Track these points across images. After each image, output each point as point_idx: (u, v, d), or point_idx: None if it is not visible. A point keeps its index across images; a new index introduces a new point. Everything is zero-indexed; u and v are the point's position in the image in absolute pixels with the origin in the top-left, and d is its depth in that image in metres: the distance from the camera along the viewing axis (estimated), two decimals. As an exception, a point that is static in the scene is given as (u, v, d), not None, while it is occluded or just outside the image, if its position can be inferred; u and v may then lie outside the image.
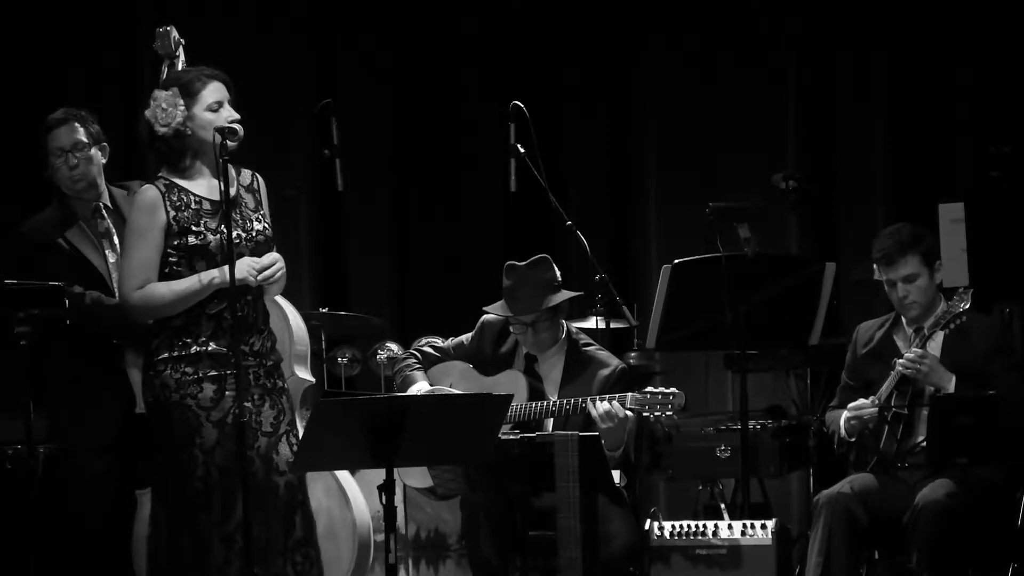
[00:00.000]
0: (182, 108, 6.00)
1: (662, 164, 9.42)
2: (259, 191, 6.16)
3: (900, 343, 6.91)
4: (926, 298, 6.83)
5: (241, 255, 5.96)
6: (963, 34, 8.91)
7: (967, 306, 6.71)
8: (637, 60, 9.45)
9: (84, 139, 6.63)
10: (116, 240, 6.60)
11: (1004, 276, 7.99)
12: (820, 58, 9.18)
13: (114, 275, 6.55)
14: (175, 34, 6.69)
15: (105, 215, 6.65)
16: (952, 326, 6.74)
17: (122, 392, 6.51)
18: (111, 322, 6.44)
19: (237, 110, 6.06)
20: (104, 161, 6.70)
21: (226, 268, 5.89)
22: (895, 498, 6.65)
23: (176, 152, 6.04)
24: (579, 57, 9.50)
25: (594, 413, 6.56)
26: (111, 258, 6.60)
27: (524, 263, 6.83)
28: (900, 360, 6.75)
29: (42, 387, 6.46)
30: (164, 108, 6.00)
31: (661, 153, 9.42)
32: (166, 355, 5.98)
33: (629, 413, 6.57)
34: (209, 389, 5.95)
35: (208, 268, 5.96)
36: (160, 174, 6.07)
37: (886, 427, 6.76)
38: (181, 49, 6.70)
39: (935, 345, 6.81)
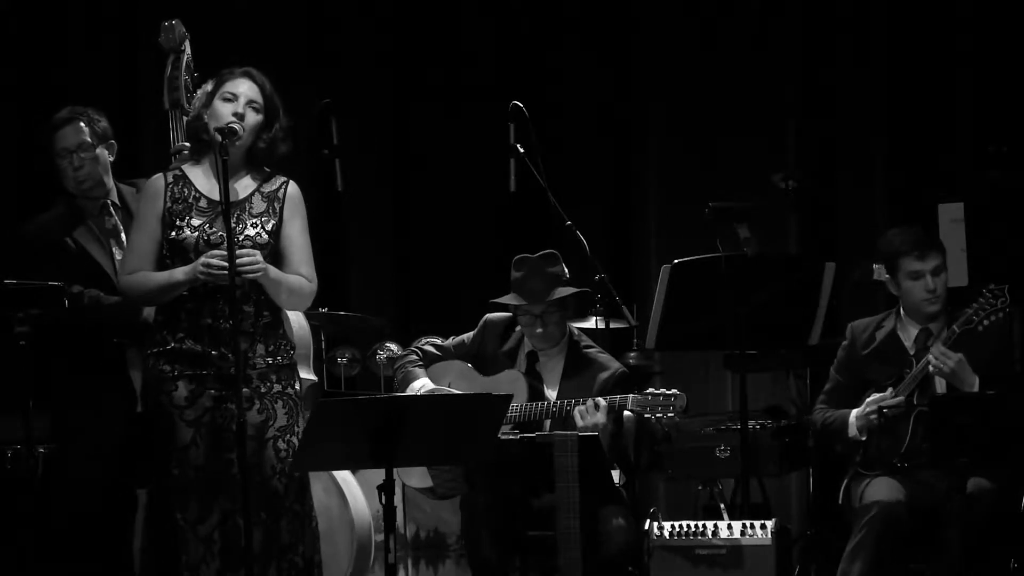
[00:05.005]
0: (205, 94, 6.00)
1: (662, 164, 9.42)
2: (282, 199, 6.04)
3: (906, 342, 6.85)
4: (945, 295, 6.78)
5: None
6: (963, 34, 8.91)
7: (1006, 302, 6.61)
8: (638, 60, 9.45)
9: (89, 139, 6.59)
10: (123, 237, 6.58)
11: (1003, 276, 7.98)
12: (820, 57, 9.18)
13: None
14: (181, 28, 6.68)
15: (112, 212, 6.62)
16: (988, 322, 6.61)
17: (124, 393, 6.50)
18: (110, 320, 6.43)
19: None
20: (112, 159, 6.67)
21: (187, 268, 5.88)
22: (920, 498, 6.59)
23: (193, 139, 6.02)
24: (580, 57, 9.50)
25: (575, 414, 6.58)
26: (118, 255, 6.57)
27: (534, 256, 6.85)
28: (933, 352, 6.64)
29: (46, 388, 6.45)
30: (198, 95, 6.02)
31: (661, 153, 9.42)
32: (151, 350, 6.00)
33: (604, 419, 6.58)
34: (184, 388, 5.93)
35: (182, 264, 5.92)
36: (174, 165, 6.07)
37: (910, 423, 6.70)
38: (187, 43, 6.69)
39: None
